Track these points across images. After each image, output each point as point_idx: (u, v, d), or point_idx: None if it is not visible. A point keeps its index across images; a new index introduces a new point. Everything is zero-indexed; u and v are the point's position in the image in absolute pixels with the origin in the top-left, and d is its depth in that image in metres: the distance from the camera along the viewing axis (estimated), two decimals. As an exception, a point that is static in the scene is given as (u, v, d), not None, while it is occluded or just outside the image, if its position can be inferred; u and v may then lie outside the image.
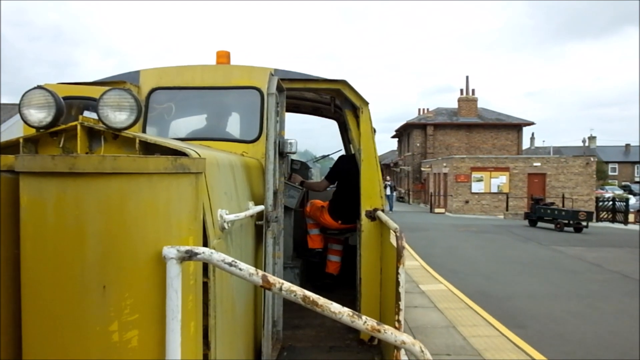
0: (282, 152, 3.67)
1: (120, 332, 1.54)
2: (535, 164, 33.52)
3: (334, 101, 5.50)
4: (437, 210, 34.12)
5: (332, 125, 7.24)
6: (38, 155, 1.58)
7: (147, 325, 1.60)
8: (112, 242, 1.54)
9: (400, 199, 46.71)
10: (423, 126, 45.28)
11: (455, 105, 46.93)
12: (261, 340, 3.25)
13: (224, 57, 4.35)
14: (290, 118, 6.36)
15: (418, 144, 45.47)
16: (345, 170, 5.30)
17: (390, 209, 30.43)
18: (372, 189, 4.31)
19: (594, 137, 71.21)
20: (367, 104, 4.35)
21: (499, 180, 33.34)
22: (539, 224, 22.74)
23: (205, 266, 2.09)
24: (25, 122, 2.10)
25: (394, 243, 3.07)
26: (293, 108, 6.55)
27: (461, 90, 46.53)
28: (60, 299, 1.53)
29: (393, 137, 58.15)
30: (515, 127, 44.96)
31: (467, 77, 47.05)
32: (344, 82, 4.30)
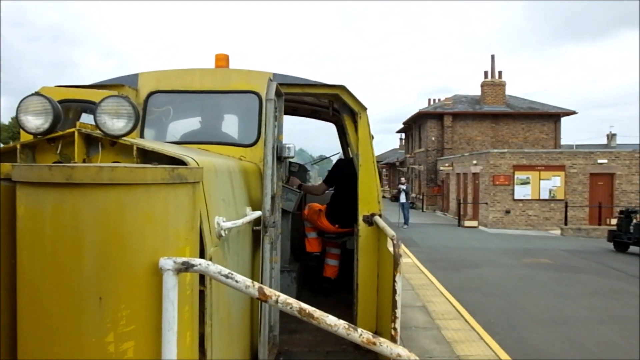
0: (280, 156, 3.67)
1: (117, 344, 1.53)
2: (600, 161, 25.15)
3: (332, 105, 5.50)
4: (467, 222, 25.33)
5: (329, 126, 7.26)
6: (35, 165, 1.58)
7: (143, 336, 1.59)
8: (109, 253, 1.54)
9: (411, 204, 36.17)
10: (439, 116, 35.83)
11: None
12: (258, 345, 3.25)
13: (222, 61, 4.35)
14: (288, 118, 6.35)
15: (433, 138, 36.17)
16: (343, 174, 5.31)
17: (406, 223, 23.38)
18: (369, 194, 4.31)
19: (615, 135, 66.82)
20: (365, 109, 4.36)
21: (551, 183, 24.85)
22: (632, 248, 16.07)
23: (202, 274, 2.09)
24: (23, 128, 2.10)
25: (391, 250, 3.07)
26: (291, 111, 6.54)
27: (485, 73, 36.53)
28: (56, 310, 1.52)
29: (399, 131, 49.78)
30: (552, 117, 35.16)
31: (492, 57, 36.58)
32: (342, 88, 4.30)
